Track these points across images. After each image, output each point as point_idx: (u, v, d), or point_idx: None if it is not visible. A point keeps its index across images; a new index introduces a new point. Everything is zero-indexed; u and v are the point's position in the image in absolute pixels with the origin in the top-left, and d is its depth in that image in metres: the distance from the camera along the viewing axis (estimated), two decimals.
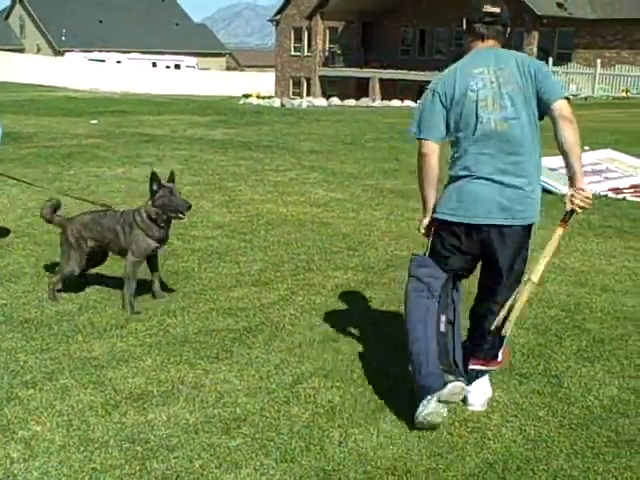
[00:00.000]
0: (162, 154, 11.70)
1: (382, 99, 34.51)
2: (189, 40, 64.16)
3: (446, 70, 3.65)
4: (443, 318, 3.57)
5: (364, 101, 32.33)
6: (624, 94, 28.47)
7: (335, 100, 32.16)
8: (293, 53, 45.10)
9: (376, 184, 9.66)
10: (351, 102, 31.27)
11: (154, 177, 4.79)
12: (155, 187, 4.78)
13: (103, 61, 50.12)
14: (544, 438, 3.40)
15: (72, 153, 11.63)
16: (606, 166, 10.04)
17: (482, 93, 3.48)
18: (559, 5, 32.50)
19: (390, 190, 9.24)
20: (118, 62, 50.79)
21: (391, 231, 7.17)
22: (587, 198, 3.47)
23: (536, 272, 3.54)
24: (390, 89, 36.66)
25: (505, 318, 3.54)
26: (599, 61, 30.89)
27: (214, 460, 3.17)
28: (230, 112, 21.87)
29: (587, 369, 4.12)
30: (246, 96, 33.54)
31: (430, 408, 3.37)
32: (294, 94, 41.97)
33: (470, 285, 3.87)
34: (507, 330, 3.57)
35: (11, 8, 64.92)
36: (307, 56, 42.93)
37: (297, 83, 44.45)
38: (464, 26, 3.67)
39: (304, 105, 28.57)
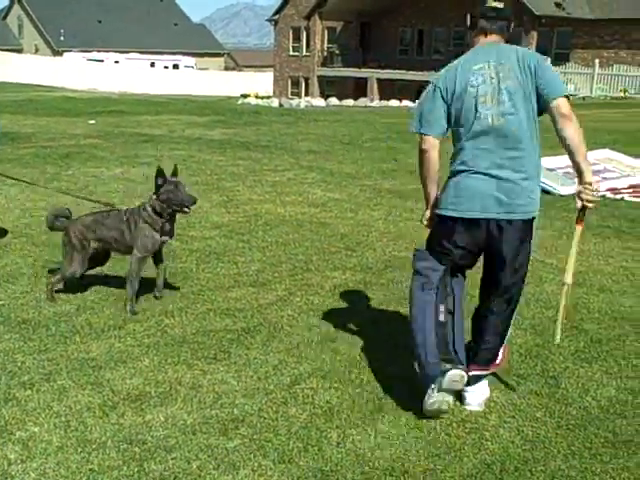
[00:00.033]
0: (160, 154, 11.70)
1: (380, 99, 34.51)
2: (187, 40, 64.13)
3: (448, 65, 3.68)
4: (442, 308, 3.62)
5: (362, 101, 32.31)
6: (622, 94, 28.48)
7: (333, 100, 32.12)
8: (291, 53, 45.11)
9: (374, 184, 9.66)
10: (349, 102, 31.25)
11: (159, 172, 4.81)
12: (160, 182, 4.80)
13: (102, 61, 50.09)
14: (542, 439, 3.41)
15: (70, 153, 11.63)
16: (604, 166, 10.04)
17: (482, 89, 3.50)
18: (557, 5, 32.51)
19: (388, 190, 9.25)
20: (116, 62, 50.77)
21: (389, 231, 7.17)
22: (595, 192, 3.48)
23: (568, 274, 3.69)
24: (388, 89, 36.67)
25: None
26: (597, 61, 30.92)
27: (212, 461, 3.17)
28: (228, 112, 21.86)
29: (585, 370, 4.12)
30: (244, 96, 33.50)
31: (434, 397, 3.47)
32: (292, 94, 41.97)
33: (471, 287, 3.86)
34: (557, 336, 3.80)
35: (9, 8, 64.83)
36: (305, 56, 42.94)
37: (295, 83, 44.45)
38: (468, 22, 3.68)
39: (302, 105, 28.56)
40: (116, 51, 53.52)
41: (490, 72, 3.50)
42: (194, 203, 4.85)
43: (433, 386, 3.48)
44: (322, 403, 3.68)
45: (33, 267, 5.73)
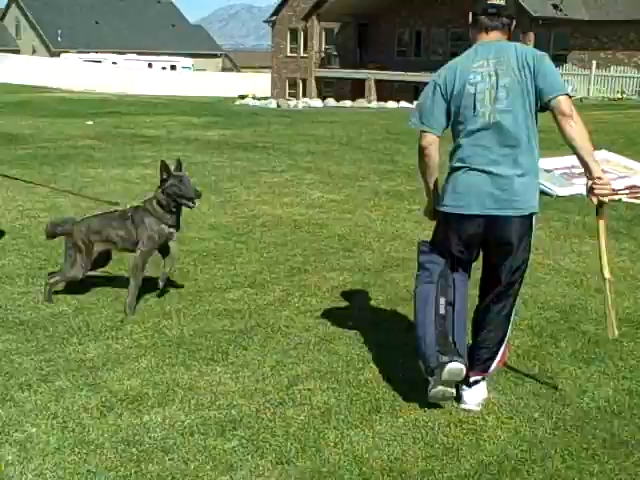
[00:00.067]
0: (158, 154, 11.70)
1: (378, 100, 34.47)
2: (185, 41, 64.10)
3: (449, 63, 3.70)
4: (442, 301, 3.67)
5: (360, 102, 32.29)
6: (619, 95, 28.52)
7: (331, 101, 32.08)
8: (289, 54, 45.12)
9: (372, 185, 9.66)
10: (347, 103, 31.20)
11: (163, 166, 4.83)
12: (164, 176, 4.83)
13: (99, 62, 50.06)
14: (539, 439, 3.41)
15: (68, 154, 11.63)
16: (601, 167, 10.04)
17: (480, 86, 3.52)
18: (555, 6, 32.54)
19: (386, 191, 9.25)
20: (114, 63, 50.74)
21: (387, 232, 7.17)
22: (606, 185, 3.48)
23: (605, 269, 3.76)
24: (386, 90, 36.67)
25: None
26: (594, 62, 30.95)
27: (209, 462, 3.17)
28: (226, 113, 21.87)
29: (582, 370, 4.12)
30: (242, 97, 33.49)
31: (436, 388, 3.56)
32: (290, 95, 41.97)
33: (472, 287, 3.86)
34: (613, 331, 3.81)
35: (6, 9, 64.77)
36: (303, 57, 42.93)
37: (293, 84, 44.46)
38: (470, 19, 3.70)
39: (300, 106, 28.56)
40: (113, 52, 53.48)
41: (489, 70, 3.52)
42: (199, 197, 4.88)
43: (434, 378, 3.54)
44: (320, 404, 3.68)
45: (30, 268, 5.73)
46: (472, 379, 3.67)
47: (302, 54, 43.39)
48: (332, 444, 3.33)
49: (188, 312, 4.91)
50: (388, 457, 3.24)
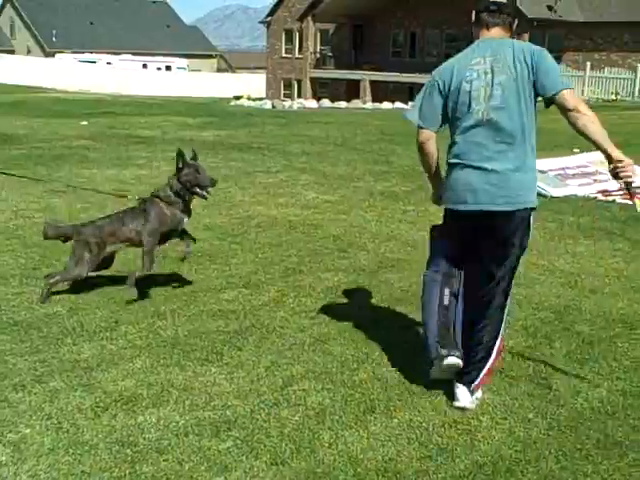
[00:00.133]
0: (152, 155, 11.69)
1: (373, 101, 34.52)
2: (180, 42, 64.03)
3: (448, 60, 3.76)
4: (447, 291, 3.78)
5: (355, 103, 32.32)
6: (613, 96, 28.59)
7: (326, 102, 32.10)
8: (284, 55, 45.09)
9: (367, 186, 9.67)
10: (342, 104, 31.23)
11: (180, 155, 4.91)
12: (180, 164, 4.90)
13: (94, 62, 49.97)
14: (533, 440, 3.41)
15: (62, 154, 11.61)
16: (596, 169, 10.07)
17: (475, 84, 3.55)
18: (549, 8, 32.59)
19: (381, 192, 9.26)
20: (109, 63, 50.66)
21: (382, 233, 7.17)
22: (629, 165, 3.47)
23: None
24: (381, 91, 36.71)
25: None
26: (589, 64, 31.02)
27: (204, 463, 3.17)
28: (221, 114, 21.85)
29: (576, 371, 4.13)
30: (237, 98, 33.47)
31: (436, 373, 3.75)
32: (285, 96, 41.94)
33: None
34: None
35: (1, 9, 64.60)
36: (298, 58, 42.92)
37: (288, 85, 44.43)
38: (473, 17, 3.74)
39: (295, 107, 28.57)
40: (108, 52, 53.40)
41: (485, 67, 3.55)
42: (214, 185, 4.98)
43: (432, 368, 3.73)
44: (314, 404, 3.68)
45: (24, 268, 5.71)
46: (473, 389, 3.69)
47: (297, 55, 43.38)
48: (327, 445, 3.33)
49: (183, 313, 4.91)
50: (383, 458, 3.24)
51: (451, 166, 3.69)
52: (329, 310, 5.01)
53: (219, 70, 64.54)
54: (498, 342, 3.73)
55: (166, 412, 3.57)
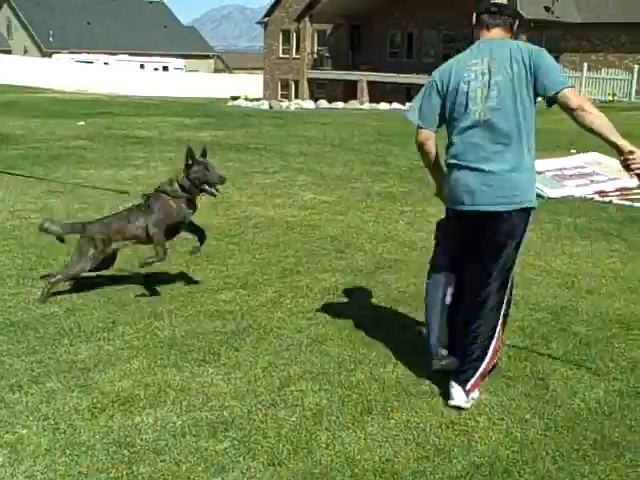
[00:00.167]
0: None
1: (370, 102, 34.51)
2: (177, 42, 64.00)
3: (448, 60, 3.79)
4: (450, 290, 3.85)
5: (352, 104, 32.32)
6: (610, 97, 28.63)
7: (323, 102, 32.07)
8: (281, 55, 45.10)
9: (364, 187, 9.67)
10: (339, 105, 31.21)
11: (189, 152, 4.94)
12: (189, 161, 4.93)
13: (91, 63, 49.93)
14: (530, 440, 3.42)
15: (59, 155, 11.59)
16: (592, 169, 10.10)
17: (473, 85, 3.58)
18: (547, 9, 32.64)
19: (378, 193, 9.26)
20: (106, 64, 50.62)
21: (379, 234, 7.18)
22: (639, 157, 3.47)
23: None
24: (378, 92, 36.70)
25: None
26: (586, 65, 31.06)
27: (201, 463, 3.17)
28: (218, 114, 21.85)
29: (573, 372, 4.13)
30: (234, 98, 33.45)
31: (437, 366, 3.87)
32: (282, 96, 41.94)
33: None
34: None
35: None
36: (295, 58, 42.93)
37: (285, 85, 44.44)
38: (474, 20, 3.77)
39: (292, 107, 28.56)
40: (105, 53, 53.38)
41: (482, 68, 3.58)
42: (223, 183, 5.02)
43: (434, 361, 3.86)
44: (311, 405, 3.68)
45: (21, 269, 5.71)
46: (472, 394, 3.70)
47: (294, 55, 43.39)
48: (324, 445, 3.32)
49: (180, 313, 4.90)
50: (380, 458, 3.24)
51: (449, 167, 3.72)
52: (326, 311, 5.01)
53: (216, 70, 64.52)
54: (494, 342, 3.73)
55: (163, 413, 3.57)
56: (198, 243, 5.26)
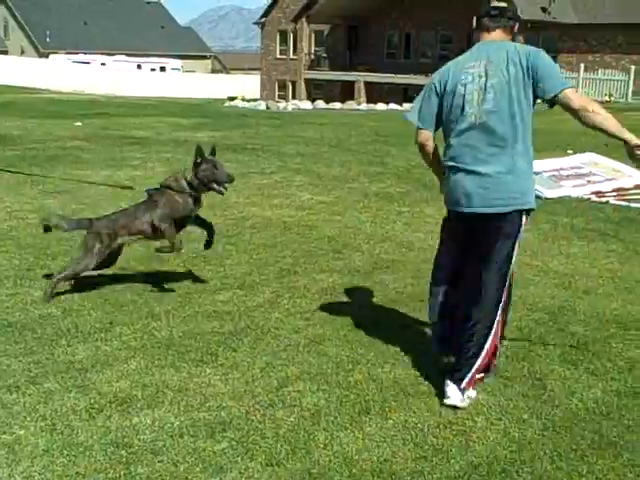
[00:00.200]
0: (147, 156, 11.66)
1: (367, 102, 34.51)
2: (174, 42, 63.99)
3: (448, 62, 3.83)
4: (451, 290, 3.92)
5: (349, 104, 32.32)
6: (607, 98, 28.67)
7: (321, 103, 32.08)
8: (279, 56, 45.09)
9: (361, 187, 9.67)
10: (336, 105, 31.21)
11: (198, 150, 5.00)
12: (198, 160, 4.99)
13: (88, 63, 49.89)
14: (528, 440, 3.42)
15: (56, 155, 11.58)
16: (589, 170, 10.11)
17: (469, 87, 3.61)
18: (543, 10, 32.68)
19: (375, 193, 9.26)
20: (103, 64, 50.59)
21: (376, 234, 7.18)
22: None
23: None
24: (376, 92, 36.72)
25: None
26: (582, 65, 31.11)
27: (199, 464, 3.16)
28: (215, 115, 21.84)
29: (571, 372, 4.14)
30: (231, 99, 33.44)
31: (442, 365, 3.95)
32: (279, 97, 41.92)
33: None
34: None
35: None
36: (292, 59, 42.93)
37: (282, 86, 44.42)
38: (474, 24, 3.80)
39: (289, 108, 28.55)
40: (102, 53, 53.36)
41: (479, 70, 3.60)
42: (232, 181, 5.08)
43: (439, 359, 3.97)
44: (309, 405, 3.68)
45: (19, 269, 5.70)
46: (468, 393, 3.71)
47: (292, 56, 43.38)
48: (322, 445, 3.33)
49: (177, 314, 4.90)
50: (378, 458, 3.24)
51: (448, 169, 3.76)
52: (324, 311, 5.01)
53: (213, 71, 64.51)
54: (489, 341, 3.74)
55: (161, 413, 3.57)
56: (208, 238, 5.31)
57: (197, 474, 3.10)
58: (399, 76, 35.71)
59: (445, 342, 3.95)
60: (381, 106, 30.08)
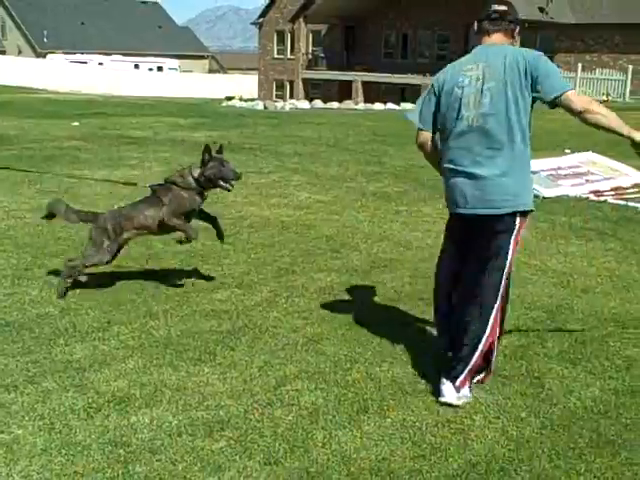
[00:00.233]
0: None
1: (365, 102, 34.51)
2: (172, 42, 63.91)
3: (449, 64, 3.86)
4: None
5: (347, 104, 32.31)
6: (605, 98, 28.70)
7: (318, 103, 32.05)
8: (276, 56, 45.07)
9: (359, 186, 9.67)
10: (334, 105, 31.19)
11: (206, 148, 5.07)
12: (206, 157, 5.06)
13: (85, 63, 49.83)
14: (526, 439, 3.42)
15: (53, 155, 11.57)
16: (587, 169, 10.12)
17: (466, 90, 3.64)
18: (541, 9, 32.70)
19: (373, 192, 9.26)
20: (100, 64, 50.52)
21: (374, 233, 7.18)
22: None
23: None
24: (373, 92, 36.71)
25: None
26: (580, 65, 31.13)
27: (197, 463, 3.16)
28: (213, 114, 21.83)
29: (569, 370, 4.14)
30: (229, 98, 33.40)
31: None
32: (277, 97, 41.91)
33: None
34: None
35: None
36: (290, 59, 42.91)
37: (280, 86, 44.40)
38: (475, 28, 3.82)
39: (287, 108, 28.54)
40: (99, 53, 53.28)
41: (477, 73, 3.63)
42: (239, 179, 5.14)
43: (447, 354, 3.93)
44: (307, 404, 3.68)
45: (16, 269, 5.69)
46: (463, 391, 3.71)
47: (289, 56, 43.36)
48: (320, 444, 3.32)
49: (175, 313, 4.90)
50: (376, 457, 3.24)
51: (446, 171, 3.80)
52: (322, 310, 5.01)
53: (211, 71, 64.46)
54: (484, 340, 3.74)
55: (159, 412, 3.57)
56: (217, 230, 5.37)
57: (195, 473, 3.09)
58: (396, 76, 35.71)
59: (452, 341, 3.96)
60: (378, 106, 30.07)
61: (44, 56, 53.53)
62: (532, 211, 3.75)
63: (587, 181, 9.63)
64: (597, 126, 3.55)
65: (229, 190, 5.22)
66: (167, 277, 5.60)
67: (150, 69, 52.56)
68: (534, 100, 3.60)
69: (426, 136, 3.89)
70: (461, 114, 3.63)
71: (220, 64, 71.14)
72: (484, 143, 3.60)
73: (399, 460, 3.22)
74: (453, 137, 3.70)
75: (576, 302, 5.27)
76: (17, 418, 3.47)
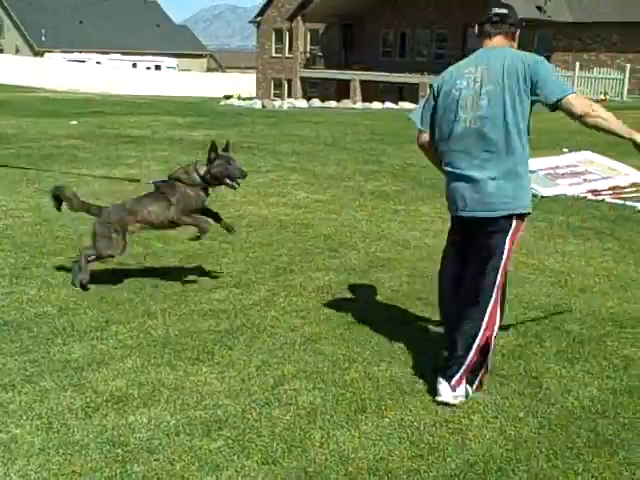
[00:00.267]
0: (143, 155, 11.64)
1: (363, 101, 34.50)
2: (170, 41, 63.88)
3: (450, 66, 3.87)
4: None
5: (345, 103, 32.31)
6: (602, 97, 28.72)
7: (316, 102, 32.03)
8: (274, 55, 45.09)
9: (357, 185, 9.67)
10: (332, 104, 31.19)
11: (212, 146, 5.07)
12: (212, 155, 5.07)
13: (83, 62, 49.79)
14: (524, 439, 3.42)
15: (51, 154, 11.56)
16: (585, 168, 10.12)
17: (464, 92, 3.65)
18: (539, 8, 32.71)
19: (371, 192, 9.26)
20: (98, 63, 50.48)
21: (372, 232, 7.18)
22: None
23: None
24: (371, 91, 36.72)
25: None
26: (578, 64, 31.15)
27: (195, 462, 3.16)
28: (211, 113, 21.82)
29: (567, 370, 4.15)
30: (227, 97, 33.41)
31: None
32: (275, 95, 41.93)
33: None
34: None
35: None
36: (288, 58, 42.92)
37: (278, 84, 44.42)
38: (476, 31, 3.84)
39: (285, 106, 28.53)
40: (97, 52, 53.22)
41: (476, 76, 3.64)
42: (244, 177, 5.16)
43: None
44: (305, 404, 3.68)
45: (14, 268, 5.68)
46: (448, 389, 3.72)
47: (287, 55, 43.38)
48: (318, 444, 3.32)
49: (173, 312, 4.89)
50: (374, 457, 3.24)
51: (445, 174, 3.83)
52: (320, 309, 5.01)
53: (209, 70, 64.46)
54: (478, 340, 3.74)
55: (157, 412, 3.56)
56: (221, 226, 5.43)
57: (193, 472, 3.09)
58: (394, 75, 35.72)
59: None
60: (377, 105, 30.08)
61: (42, 55, 53.53)
62: (529, 214, 3.76)
63: (585, 180, 9.64)
64: (597, 129, 3.57)
65: (234, 188, 5.24)
66: (165, 276, 5.60)
67: (148, 68, 52.56)
68: (533, 103, 3.60)
69: (426, 136, 3.91)
70: (458, 116, 3.65)
71: (218, 63, 71.11)
72: (481, 146, 3.62)
73: (397, 460, 3.22)
74: (451, 139, 3.71)
75: (574, 301, 5.27)
76: (15, 417, 3.47)
